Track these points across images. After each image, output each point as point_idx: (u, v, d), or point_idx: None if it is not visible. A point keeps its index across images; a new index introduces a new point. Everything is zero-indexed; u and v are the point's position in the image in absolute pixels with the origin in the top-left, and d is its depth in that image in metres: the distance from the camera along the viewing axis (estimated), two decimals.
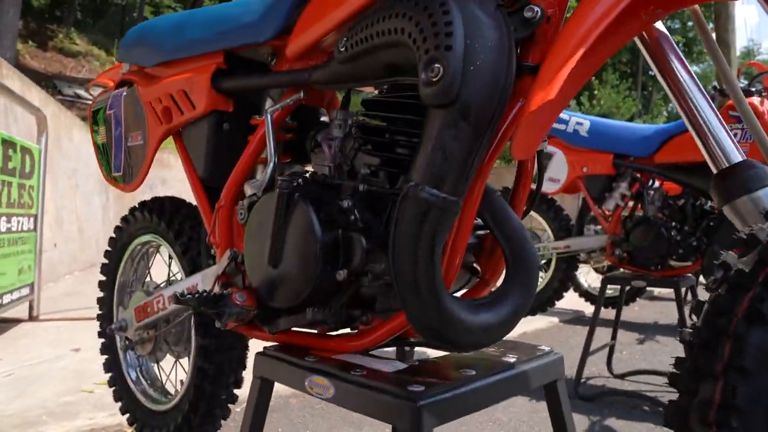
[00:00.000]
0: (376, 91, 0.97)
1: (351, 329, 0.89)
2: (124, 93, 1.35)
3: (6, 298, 2.84)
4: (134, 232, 1.51)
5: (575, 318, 3.89)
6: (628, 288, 2.74)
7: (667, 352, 3.05)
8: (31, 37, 13.47)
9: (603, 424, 2.03)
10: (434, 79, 0.65)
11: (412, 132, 0.80)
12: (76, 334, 2.85)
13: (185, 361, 1.42)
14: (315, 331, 0.93)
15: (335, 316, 0.82)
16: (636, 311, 4.23)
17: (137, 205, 1.50)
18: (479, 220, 0.81)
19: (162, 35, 1.23)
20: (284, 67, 1.01)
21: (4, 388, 2.09)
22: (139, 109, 1.29)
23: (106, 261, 1.63)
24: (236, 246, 1.03)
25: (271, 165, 0.93)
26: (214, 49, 1.09)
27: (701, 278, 3.14)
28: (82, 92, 10.52)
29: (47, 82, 10.86)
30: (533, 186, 0.94)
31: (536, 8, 0.69)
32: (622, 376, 2.56)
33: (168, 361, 1.49)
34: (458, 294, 0.90)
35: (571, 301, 3.71)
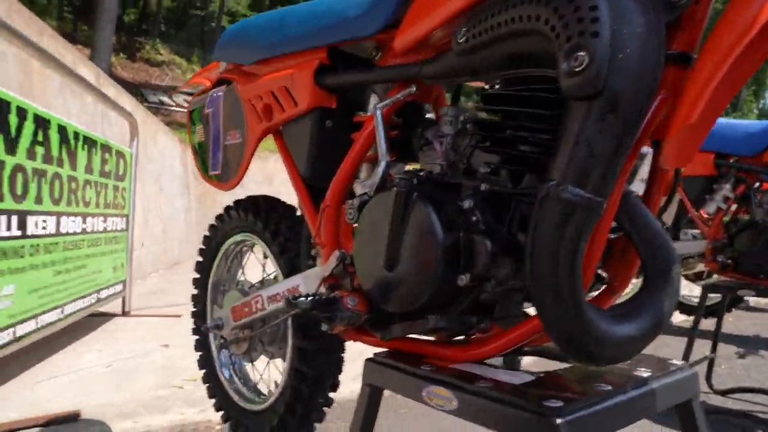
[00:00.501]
0: (486, 86, 0.92)
1: (465, 337, 0.84)
2: (223, 91, 1.36)
3: (104, 293, 3.01)
4: (229, 230, 1.52)
5: None
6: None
7: None
8: (122, 50, 14.44)
9: None
10: (578, 69, 0.59)
11: (536, 127, 0.74)
12: (164, 330, 2.96)
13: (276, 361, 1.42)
14: (426, 338, 0.89)
15: (455, 323, 0.77)
16: (731, 322, 3.93)
17: (232, 204, 1.51)
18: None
19: (261, 33, 1.23)
20: (390, 62, 0.97)
21: (107, 378, 2.21)
22: (238, 108, 1.29)
23: (201, 259, 1.65)
24: (343, 247, 1.00)
25: (384, 163, 0.89)
26: (317, 44, 1.07)
27: None
28: (165, 99, 11.10)
29: (135, 90, 11.53)
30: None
31: None
32: (723, 393, 2.37)
33: (259, 360, 1.49)
34: None
35: None
